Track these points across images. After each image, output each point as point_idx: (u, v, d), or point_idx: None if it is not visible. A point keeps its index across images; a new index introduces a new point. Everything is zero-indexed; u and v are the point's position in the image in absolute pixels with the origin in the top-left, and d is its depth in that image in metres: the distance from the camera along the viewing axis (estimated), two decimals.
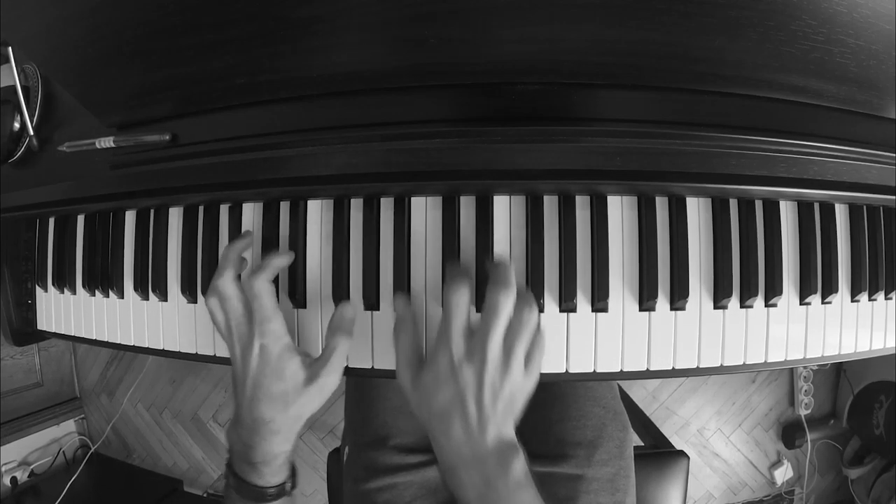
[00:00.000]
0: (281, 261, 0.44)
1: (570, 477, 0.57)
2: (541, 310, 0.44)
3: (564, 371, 0.45)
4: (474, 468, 0.38)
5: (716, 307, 0.45)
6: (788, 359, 0.47)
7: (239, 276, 0.45)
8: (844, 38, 0.36)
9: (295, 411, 0.42)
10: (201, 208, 0.50)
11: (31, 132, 0.54)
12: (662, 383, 1.45)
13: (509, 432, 0.40)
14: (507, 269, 0.40)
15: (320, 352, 0.45)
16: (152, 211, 0.53)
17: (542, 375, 0.45)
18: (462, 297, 0.40)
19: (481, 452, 0.38)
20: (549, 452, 0.58)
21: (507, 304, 0.39)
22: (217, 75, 0.42)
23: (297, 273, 0.46)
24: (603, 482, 0.57)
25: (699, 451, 1.45)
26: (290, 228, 0.47)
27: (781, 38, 0.35)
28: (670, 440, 0.88)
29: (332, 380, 0.43)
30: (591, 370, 0.45)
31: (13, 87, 0.53)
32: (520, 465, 0.39)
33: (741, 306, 0.45)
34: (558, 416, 0.61)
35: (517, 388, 0.39)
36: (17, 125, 0.54)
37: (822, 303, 0.47)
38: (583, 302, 0.44)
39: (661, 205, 0.45)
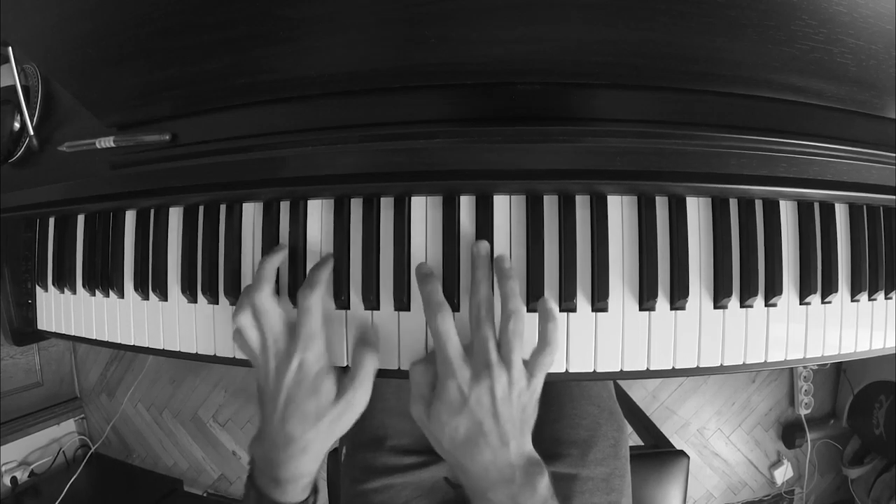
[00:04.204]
0: (328, 271, 0.45)
1: (564, 476, 0.57)
2: None
3: (564, 371, 0.45)
4: (502, 489, 0.39)
5: (716, 307, 0.45)
6: (788, 358, 0.47)
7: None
8: (844, 38, 0.36)
9: (325, 429, 0.41)
10: (201, 208, 0.50)
11: (31, 132, 0.54)
12: (662, 383, 1.45)
13: (530, 447, 0.41)
14: (487, 286, 0.41)
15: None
16: (152, 211, 0.53)
17: None
18: (447, 323, 0.40)
19: (508, 472, 0.39)
20: (544, 451, 0.57)
21: (489, 314, 0.40)
22: (217, 75, 0.42)
23: (297, 273, 0.46)
24: (597, 482, 0.57)
25: (699, 451, 1.45)
26: (291, 228, 0.47)
27: (781, 38, 0.35)
28: (670, 440, 0.88)
29: (359, 395, 0.42)
30: (591, 370, 0.45)
31: (13, 87, 0.53)
32: (545, 481, 0.40)
33: (741, 306, 0.45)
34: (553, 416, 0.61)
35: (525, 396, 0.40)
36: (17, 125, 0.54)
37: (822, 302, 0.47)
38: (583, 302, 0.44)
39: (661, 205, 0.45)
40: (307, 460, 0.41)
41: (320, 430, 0.41)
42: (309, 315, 0.42)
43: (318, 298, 0.42)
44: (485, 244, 0.43)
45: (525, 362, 0.41)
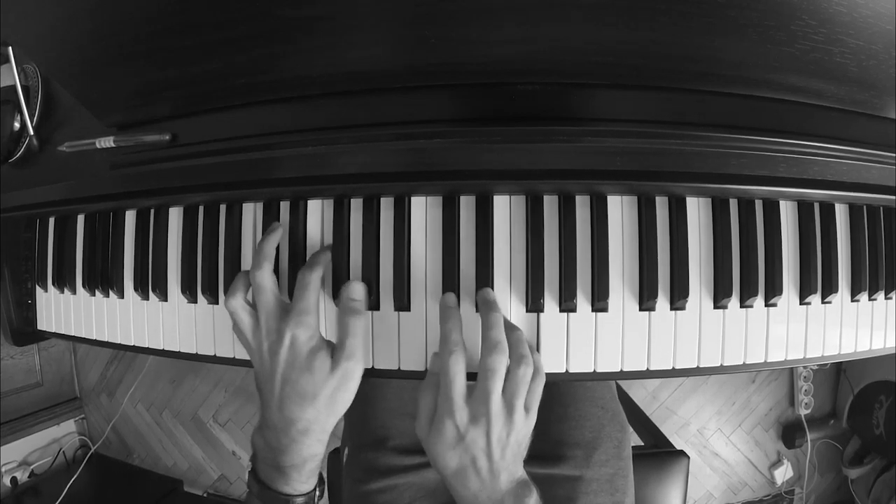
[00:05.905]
0: (328, 256, 0.45)
1: (568, 478, 0.57)
2: (541, 310, 0.44)
3: (564, 371, 0.45)
4: None
5: (716, 307, 0.45)
6: (788, 358, 0.47)
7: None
8: (844, 38, 0.36)
9: (324, 406, 0.40)
10: (201, 208, 0.50)
11: (31, 132, 0.54)
12: (662, 383, 1.45)
13: (520, 472, 0.42)
14: (499, 330, 0.41)
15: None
16: (152, 211, 0.53)
17: None
18: (458, 365, 0.40)
19: (496, 497, 0.40)
20: (548, 453, 0.58)
21: (501, 366, 0.40)
22: (217, 75, 0.42)
23: (297, 273, 0.46)
24: (602, 482, 0.57)
25: (699, 451, 1.45)
26: (290, 228, 0.47)
27: (781, 38, 0.35)
28: (670, 440, 0.88)
29: (352, 365, 0.41)
30: (592, 370, 0.45)
31: (13, 87, 0.53)
32: (533, 499, 0.41)
33: (741, 306, 0.45)
34: (556, 417, 0.61)
35: (521, 435, 0.41)
36: (17, 125, 0.54)
37: (822, 302, 0.47)
38: (583, 302, 0.44)
39: (661, 204, 0.45)
40: (310, 443, 0.41)
41: (319, 408, 0.40)
42: (306, 291, 0.41)
43: (318, 277, 0.42)
44: (490, 294, 0.43)
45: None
